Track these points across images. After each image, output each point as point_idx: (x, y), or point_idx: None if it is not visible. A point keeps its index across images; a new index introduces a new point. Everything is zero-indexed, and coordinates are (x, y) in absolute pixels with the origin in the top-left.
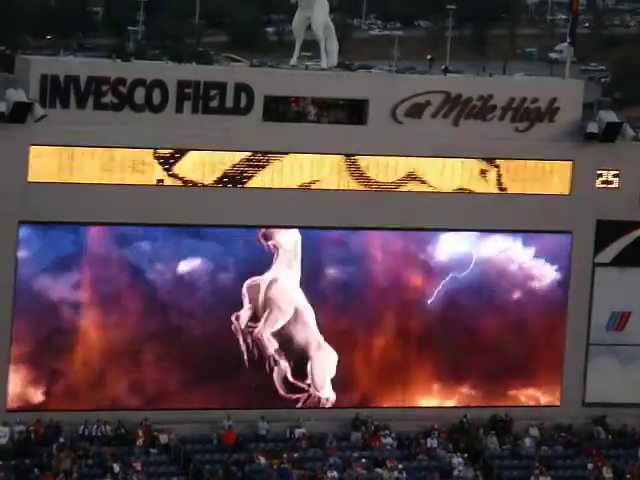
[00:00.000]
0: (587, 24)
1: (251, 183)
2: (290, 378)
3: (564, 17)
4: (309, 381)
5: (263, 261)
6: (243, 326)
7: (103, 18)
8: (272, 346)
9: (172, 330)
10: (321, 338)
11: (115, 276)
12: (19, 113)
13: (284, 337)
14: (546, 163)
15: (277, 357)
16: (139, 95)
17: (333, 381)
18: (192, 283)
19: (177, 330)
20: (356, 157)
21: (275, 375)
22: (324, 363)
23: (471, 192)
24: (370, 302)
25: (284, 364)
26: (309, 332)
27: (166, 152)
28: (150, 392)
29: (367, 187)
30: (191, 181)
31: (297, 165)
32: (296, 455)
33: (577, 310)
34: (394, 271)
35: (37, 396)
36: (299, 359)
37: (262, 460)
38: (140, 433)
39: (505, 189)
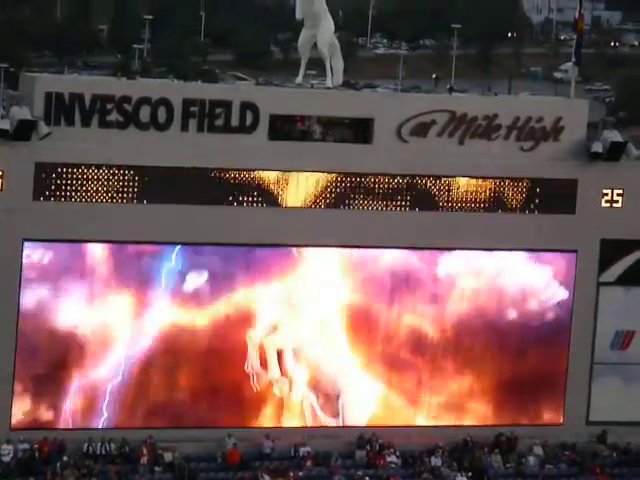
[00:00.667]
0: (591, 45)
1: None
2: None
3: (569, 37)
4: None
5: None
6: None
7: (108, 36)
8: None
9: (179, 348)
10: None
11: (120, 294)
12: (24, 131)
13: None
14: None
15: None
16: (144, 113)
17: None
18: (198, 299)
19: (183, 348)
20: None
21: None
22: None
23: (476, 211)
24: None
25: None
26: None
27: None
28: (154, 410)
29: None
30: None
31: None
32: (301, 473)
33: (581, 329)
34: (399, 289)
35: (41, 414)
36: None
37: (267, 478)
38: (144, 451)
39: (509, 208)
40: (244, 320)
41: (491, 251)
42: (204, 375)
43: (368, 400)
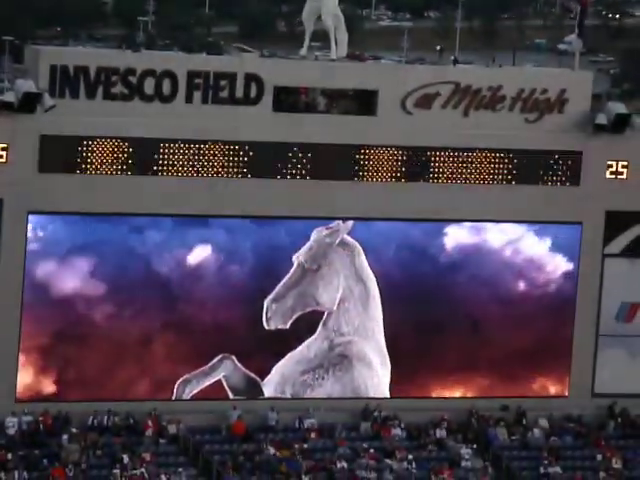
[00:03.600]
0: (594, 16)
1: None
2: None
3: (573, 9)
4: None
5: None
6: None
7: (113, 8)
8: None
9: (183, 320)
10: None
11: (125, 266)
12: (28, 103)
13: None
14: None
15: None
16: (149, 85)
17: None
18: (201, 273)
19: (187, 320)
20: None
21: None
22: None
23: (481, 183)
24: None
25: None
26: None
27: (175, 143)
28: (159, 382)
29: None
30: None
31: None
32: (305, 445)
33: (586, 301)
34: (404, 262)
35: (46, 387)
36: None
37: (271, 450)
38: (149, 423)
39: (514, 180)
40: None
41: (495, 223)
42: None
43: (376, 372)
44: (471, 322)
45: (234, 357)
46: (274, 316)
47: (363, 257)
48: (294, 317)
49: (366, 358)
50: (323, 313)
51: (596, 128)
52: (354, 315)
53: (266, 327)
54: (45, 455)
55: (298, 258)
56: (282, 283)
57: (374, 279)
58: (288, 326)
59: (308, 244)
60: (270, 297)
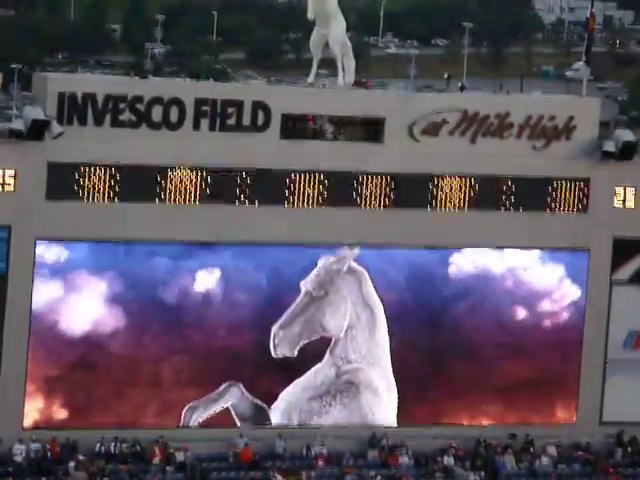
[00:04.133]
0: (603, 43)
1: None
2: None
3: (580, 36)
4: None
5: None
6: None
7: (121, 35)
8: None
9: (191, 347)
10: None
11: (132, 293)
12: (36, 130)
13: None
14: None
15: None
16: (156, 113)
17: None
18: (208, 300)
19: (194, 347)
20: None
21: None
22: None
23: (488, 209)
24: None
25: None
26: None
27: (184, 170)
28: (166, 409)
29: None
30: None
31: None
32: (313, 473)
33: (594, 328)
34: (411, 288)
35: (53, 414)
36: None
37: (279, 478)
38: (156, 451)
39: (522, 207)
40: None
41: (503, 249)
42: (219, 374)
43: (382, 399)
44: (478, 349)
45: (241, 384)
46: (281, 343)
47: (370, 284)
48: (301, 344)
49: (373, 385)
50: (330, 340)
51: (604, 155)
52: (361, 342)
53: (273, 354)
54: None
55: (305, 285)
56: (289, 310)
57: (381, 306)
58: (295, 353)
59: (315, 271)
60: (277, 324)
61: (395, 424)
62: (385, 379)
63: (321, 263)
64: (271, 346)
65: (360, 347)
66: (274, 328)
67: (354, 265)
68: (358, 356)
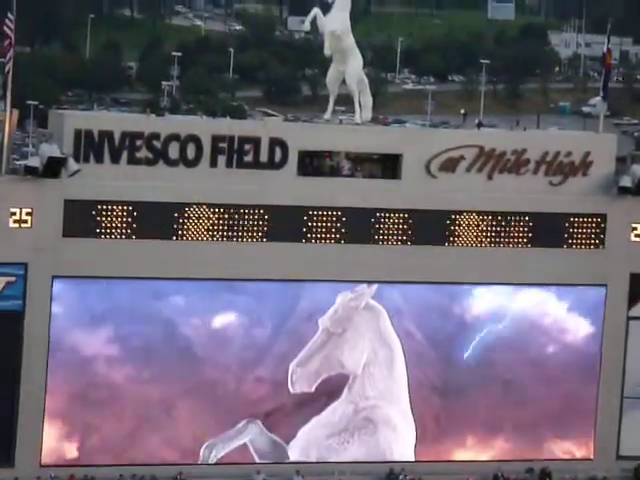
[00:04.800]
0: (620, 78)
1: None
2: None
3: (597, 72)
4: None
5: None
6: None
7: (137, 73)
8: None
9: (208, 384)
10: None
11: (149, 331)
12: (53, 168)
13: None
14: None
15: None
16: (173, 150)
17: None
18: (226, 337)
19: (212, 384)
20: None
21: None
22: None
23: (505, 246)
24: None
25: None
26: None
27: (201, 207)
28: (184, 446)
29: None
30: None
31: None
32: None
33: (611, 363)
34: (429, 325)
35: (71, 451)
36: None
37: None
38: None
39: (539, 243)
40: None
41: (520, 286)
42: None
43: (400, 436)
44: (496, 385)
45: (259, 421)
46: (299, 380)
47: (388, 321)
48: (319, 381)
49: (391, 422)
50: (348, 377)
51: (620, 191)
52: (379, 379)
53: (291, 391)
54: None
55: (323, 322)
56: (307, 347)
57: (398, 342)
58: (313, 390)
59: (333, 308)
60: (295, 361)
61: (413, 460)
62: (403, 415)
63: (339, 300)
64: (289, 383)
65: (378, 384)
66: (292, 365)
67: (372, 302)
68: (376, 393)
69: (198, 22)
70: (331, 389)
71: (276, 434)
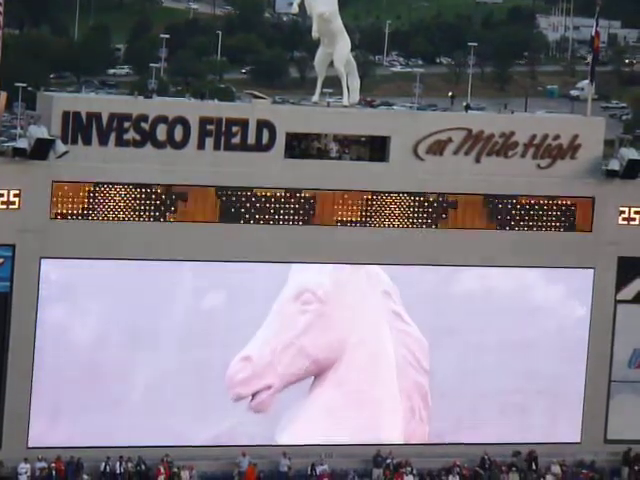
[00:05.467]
0: (607, 62)
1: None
2: None
3: (585, 55)
4: None
5: None
6: None
7: (125, 55)
8: None
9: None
10: None
11: (137, 311)
12: (41, 149)
13: None
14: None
15: None
16: (161, 132)
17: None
18: (214, 317)
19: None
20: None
21: None
22: None
23: (493, 228)
24: None
25: None
26: None
27: (188, 189)
28: (171, 428)
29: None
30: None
31: None
32: None
33: (599, 347)
34: (419, 307)
35: (58, 433)
36: None
37: None
38: (161, 470)
39: (526, 226)
40: None
41: (508, 268)
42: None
43: (387, 418)
44: (483, 367)
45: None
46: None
47: (380, 301)
48: (307, 362)
49: (378, 404)
50: (335, 359)
51: (608, 174)
52: (366, 360)
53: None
54: None
55: (309, 302)
56: (292, 327)
57: (387, 324)
58: (303, 370)
59: (321, 288)
60: (281, 342)
61: (400, 442)
62: (391, 397)
63: (326, 280)
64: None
65: (365, 365)
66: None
67: (361, 283)
68: (363, 374)
69: (193, 5)
70: (319, 369)
71: (264, 414)
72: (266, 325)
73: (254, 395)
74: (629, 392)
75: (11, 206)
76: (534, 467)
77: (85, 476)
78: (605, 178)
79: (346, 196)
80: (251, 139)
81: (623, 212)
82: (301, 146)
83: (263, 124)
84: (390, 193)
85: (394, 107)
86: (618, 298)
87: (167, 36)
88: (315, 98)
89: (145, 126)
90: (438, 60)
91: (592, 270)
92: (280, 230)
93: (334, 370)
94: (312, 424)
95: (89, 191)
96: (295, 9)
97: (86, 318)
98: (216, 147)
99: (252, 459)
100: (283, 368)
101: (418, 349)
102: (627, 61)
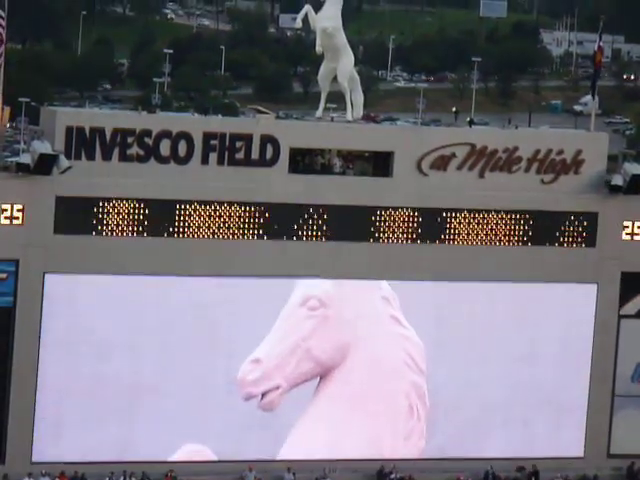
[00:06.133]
0: (609, 77)
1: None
2: None
3: (588, 70)
4: None
5: None
6: None
7: (128, 70)
8: None
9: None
10: None
11: (141, 325)
12: (44, 165)
13: None
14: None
15: None
16: (165, 147)
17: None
18: (216, 330)
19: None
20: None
21: None
22: None
23: (496, 243)
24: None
25: None
26: None
27: (192, 204)
28: (175, 442)
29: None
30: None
31: None
32: None
33: (602, 361)
34: (424, 320)
35: (62, 448)
36: None
37: None
38: None
39: (530, 241)
40: None
41: (512, 283)
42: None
43: (391, 432)
44: (486, 381)
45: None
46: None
47: (392, 312)
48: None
49: (382, 417)
50: (339, 361)
51: (612, 189)
52: (367, 362)
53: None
54: None
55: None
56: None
57: (391, 338)
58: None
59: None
60: (263, 350)
61: (403, 457)
62: (390, 396)
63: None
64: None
65: (367, 366)
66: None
67: (363, 289)
68: (366, 375)
69: (195, 20)
70: (324, 370)
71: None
72: (274, 330)
73: (264, 395)
74: (632, 407)
75: (15, 221)
76: None
77: None
78: (608, 193)
79: (349, 211)
80: (255, 154)
81: (627, 227)
82: (305, 161)
83: (267, 139)
84: (394, 208)
85: (398, 122)
86: (621, 313)
87: (171, 51)
88: (319, 113)
89: (149, 141)
90: (444, 74)
91: (595, 285)
92: (279, 245)
93: (338, 371)
94: (315, 426)
95: (92, 206)
96: (299, 24)
97: (89, 333)
98: (220, 162)
99: (256, 474)
100: (291, 369)
101: (415, 351)
102: (625, 77)
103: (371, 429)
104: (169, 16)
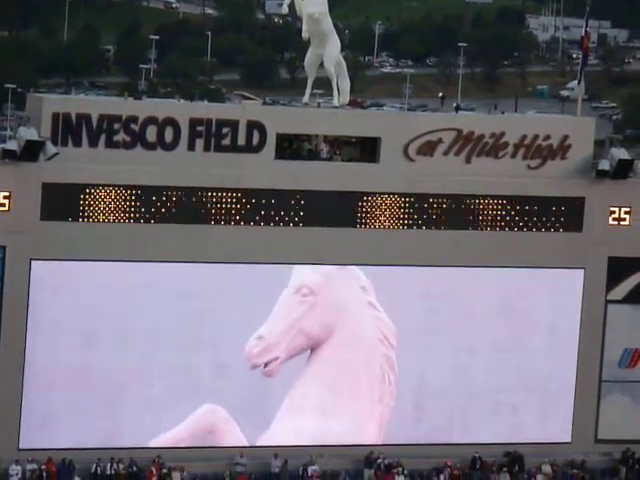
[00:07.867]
0: (597, 61)
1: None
2: None
3: (575, 55)
4: None
5: None
6: None
7: (115, 56)
8: None
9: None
10: None
11: (128, 312)
12: (31, 151)
13: None
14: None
15: None
16: (151, 133)
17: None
18: (201, 318)
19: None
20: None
21: None
22: None
23: (483, 229)
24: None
25: None
26: None
27: (178, 190)
28: (162, 429)
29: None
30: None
31: None
32: None
33: (589, 347)
34: (413, 305)
35: (49, 435)
36: None
37: None
38: (153, 471)
39: (516, 226)
40: None
41: (498, 268)
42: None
43: (364, 382)
44: (474, 367)
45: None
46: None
47: (374, 300)
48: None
49: (361, 382)
50: (326, 338)
51: (599, 174)
52: (349, 339)
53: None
54: None
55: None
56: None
57: (380, 324)
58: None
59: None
60: (259, 332)
61: (391, 443)
62: (367, 366)
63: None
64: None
65: (349, 343)
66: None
67: (345, 279)
68: (347, 350)
69: (178, 6)
70: (314, 344)
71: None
72: (274, 312)
73: (266, 364)
74: (619, 392)
75: (1, 208)
76: (517, 468)
77: (76, 478)
78: (595, 178)
79: (337, 197)
80: (241, 140)
81: (613, 212)
82: (292, 147)
83: (253, 125)
84: (381, 194)
85: (384, 108)
86: (608, 298)
87: (157, 37)
88: (305, 99)
89: (135, 127)
90: (428, 61)
91: (582, 270)
92: (270, 232)
93: (327, 344)
94: (303, 424)
95: (79, 193)
96: (285, 10)
97: (76, 319)
98: (206, 148)
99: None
100: (287, 343)
101: (387, 330)
102: (610, 63)
103: (353, 391)
104: (174, 5)
